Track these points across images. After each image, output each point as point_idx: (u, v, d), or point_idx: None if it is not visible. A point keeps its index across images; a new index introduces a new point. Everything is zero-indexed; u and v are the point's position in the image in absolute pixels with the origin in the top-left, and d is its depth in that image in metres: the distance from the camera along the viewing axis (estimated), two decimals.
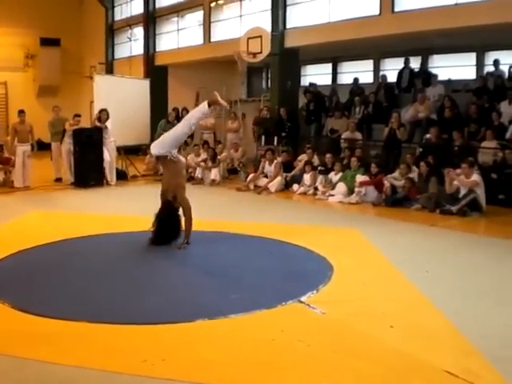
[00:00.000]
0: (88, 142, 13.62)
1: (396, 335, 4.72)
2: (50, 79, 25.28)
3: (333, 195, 12.07)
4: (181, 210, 7.68)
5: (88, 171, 13.65)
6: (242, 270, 6.70)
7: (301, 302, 5.44)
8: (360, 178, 11.82)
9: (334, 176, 12.48)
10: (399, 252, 7.51)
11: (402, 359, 4.30)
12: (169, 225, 7.60)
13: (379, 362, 4.25)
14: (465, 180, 10.40)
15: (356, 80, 17.03)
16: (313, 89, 17.21)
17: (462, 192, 10.38)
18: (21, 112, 14.02)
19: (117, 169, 14.94)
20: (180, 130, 7.89)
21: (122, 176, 15.08)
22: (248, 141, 17.50)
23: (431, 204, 10.68)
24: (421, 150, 12.54)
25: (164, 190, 7.80)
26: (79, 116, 14.58)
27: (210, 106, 7.71)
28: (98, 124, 14.05)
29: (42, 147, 15.33)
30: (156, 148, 7.90)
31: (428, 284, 6.05)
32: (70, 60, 25.53)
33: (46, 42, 24.97)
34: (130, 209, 10.89)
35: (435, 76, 15.00)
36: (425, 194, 10.90)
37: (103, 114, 14.00)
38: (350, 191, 11.88)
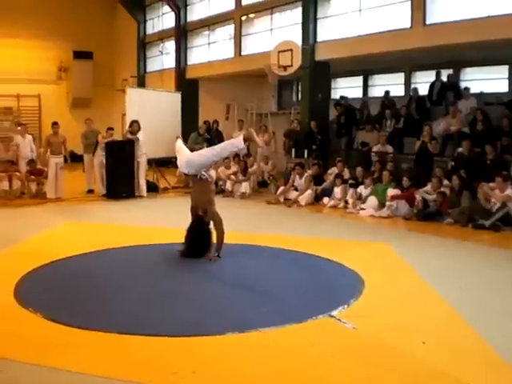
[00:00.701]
0: (120, 155, 13.78)
1: (428, 351, 4.66)
2: (82, 92, 25.63)
3: (363, 209, 12.00)
4: (212, 223, 7.70)
5: (120, 183, 13.80)
6: (273, 283, 6.69)
7: (331, 316, 5.39)
8: (391, 191, 11.73)
9: (363, 190, 12.40)
10: (431, 267, 7.42)
11: (433, 375, 4.24)
12: (199, 239, 7.63)
13: (411, 377, 4.20)
14: (498, 194, 10.27)
15: (387, 93, 16.95)
16: (344, 102, 17.17)
17: (495, 206, 10.25)
18: (54, 124, 14.21)
19: (148, 181, 15.08)
20: (210, 157, 7.82)
21: (152, 188, 15.20)
22: (278, 154, 17.51)
23: (463, 218, 10.55)
24: (453, 163, 12.39)
25: (194, 206, 7.83)
26: (112, 129, 14.78)
27: (245, 141, 7.68)
28: (129, 136, 14.19)
29: (74, 159, 15.54)
30: (184, 167, 7.93)
31: (460, 299, 5.96)
32: (102, 73, 25.87)
33: (79, 55, 25.38)
34: (160, 221, 10.95)
35: (467, 89, 14.86)
36: (457, 208, 10.78)
37: (134, 126, 14.14)
38: (381, 205, 11.79)
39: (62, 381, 4.14)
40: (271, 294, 6.18)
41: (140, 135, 14.12)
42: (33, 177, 14.14)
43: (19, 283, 6.46)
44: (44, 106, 25.42)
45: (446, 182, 11.48)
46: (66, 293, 6.21)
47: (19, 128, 15.07)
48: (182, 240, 7.73)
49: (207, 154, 7.94)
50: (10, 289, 6.21)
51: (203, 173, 7.77)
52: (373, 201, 11.91)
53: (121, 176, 13.79)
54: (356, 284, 6.49)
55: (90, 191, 14.87)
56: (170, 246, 8.11)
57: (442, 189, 11.28)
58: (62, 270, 7.22)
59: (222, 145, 8.08)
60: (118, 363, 4.42)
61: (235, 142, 7.78)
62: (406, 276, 7.05)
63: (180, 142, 8.57)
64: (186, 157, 8.04)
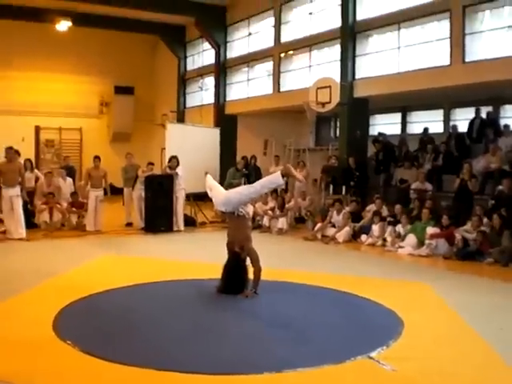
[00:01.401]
0: (159, 189, 13.95)
1: None
2: (123, 126, 26.07)
3: (402, 247, 11.87)
4: (248, 260, 7.69)
5: (158, 217, 13.94)
6: (310, 321, 6.62)
7: (370, 357, 5.30)
8: (431, 229, 11.59)
9: (401, 228, 12.27)
10: (471, 308, 7.28)
11: None
12: (236, 276, 7.61)
13: None
14: None
15: (426, 130, 16.88)
16: (382, 138, 17.14)
17: None
18: (96, 158, 14.49)
19: (186, 215, 15.20)
20: (247, 195, 7.77)
21: (190, 222, 15.30)
22: (315, 190, 17.49)
23: (504, 258, 10.37)
24: (493, 202, 12.22)
25: (231, 241, 7.82)
26: (152, 164, 15.01)
27: (283, 176, 7.59)
28: (168, 171, 14.35)
29: (113, 191, 15.75)
30: (221, 205, 7.94)
31: (502, 342, 5.83)
32: (142, 108, 26.32)
33: (120, 90, 25.88)
34: (198, 255, 11.00)
35: (507, 126, 14.72)
36: (497, 247, 10.61)
37: (173, 161, 14.31)
38: (420, 243, 11.65)
39: None
40: (308, 333, 6.12)
41: (179, 170, 14.27)
42: (74, 209, 14.35)
43: (58, 316, 6.52)
44: (85, 139, 25.89)
45: (486, 220, 11.32)
46: (105, 327, 6.25)
47: (61, 170, 15.42)
48: (219, 276, 7.74)
49: (245, 191, 7.91)
50: (49, 321, 6.27)
51: (240, 209, 7.76)
52: (412, 239, 11.78)
53: (159, 210, 13.93)
54: (395, 324, 6.39)
55: (129, 224, 15.05)
56: (207, 282, 8.12)
57: (483, 228, 11.12)
58: (101, 304, 7.27)
59: (260, 182, 8.01)
60: None
61: (273, 179, 7.72)
62: (445, 317, 6.93)
63: (211, 178, 8.61)
64: (223, 195, 8.02)
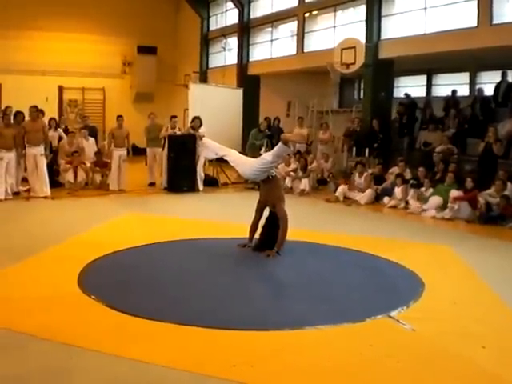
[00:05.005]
0: (182, 149, 13.98)
1: (487, 356, 4.59)
2: (145, 86, 25.98)
3: (425, 210, 11.83)
4: None
5: (181, 177, 14.01)
6: (331, 281, 6.69)
7: (390, 317, 5.36)
8: (454, 193, 11.51)
9: (424, 192, 12.21)
10: (492, 271, 7.28)
11: (492, 381, 4.19)
12: (271, 234, 7.69)
13: (469, 383, 4.15)
14: None
15: (454, 92, 16.61)
16: (406, 101, 16.93)
17: None
18: (119, 117, 14.54)
19: (208, 175, 15.23)
20: (272, 161, 7.76)
21: (213, 183, 15.36)
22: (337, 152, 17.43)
23: None
24: None
25: (263, 201, 7.90)
26: (175, 117, 15.04)
27: (286, 144, 7.65)
28: (192, 131, 14.36)
29: (136, 152, 15.80)
30: (251, 175, 8.10)
31: None
32: (165, 68, 26.19)
33: (143, 50, 25.72)
34: (220, 215, 11.07)
35: None
36: None
37: (196, 122, 14.31)
38: (443, 206, 11.59)
39: (125, 369, 4.26)
40: (329, 293, 6.19)
41: (201, 130, 14.26)
42: (98, 168, 14.46)
43: (83, 272, 6.64)
44: (108, 99, 25.89)
45: (510, 185, 11.22)
46: (128, 282, 6.37)
47: (83, 131, 15.45)
48: (242, 235, 7.79)
49: (268, 159, 7.82)
50: (74, 277, 6.39)
51: (272, 171, 7.85)
52: (434, 202, 11.70)
53: (182, 170, 14.00)
54: (416, 285, 6.43)
55: (152, 184, 15.13)
56: (230, 241, 8.23)
57: (506, 192, 11.04)
58: (124, 260, 7.39)
59: (274, 153, 7.82)
60: (178, 354, 4.52)
61: (280, 151, 7.70)
62: (467, 279, 6.95)
63: (212, 142, 8.74)
64: (250, 167, 8.00)
